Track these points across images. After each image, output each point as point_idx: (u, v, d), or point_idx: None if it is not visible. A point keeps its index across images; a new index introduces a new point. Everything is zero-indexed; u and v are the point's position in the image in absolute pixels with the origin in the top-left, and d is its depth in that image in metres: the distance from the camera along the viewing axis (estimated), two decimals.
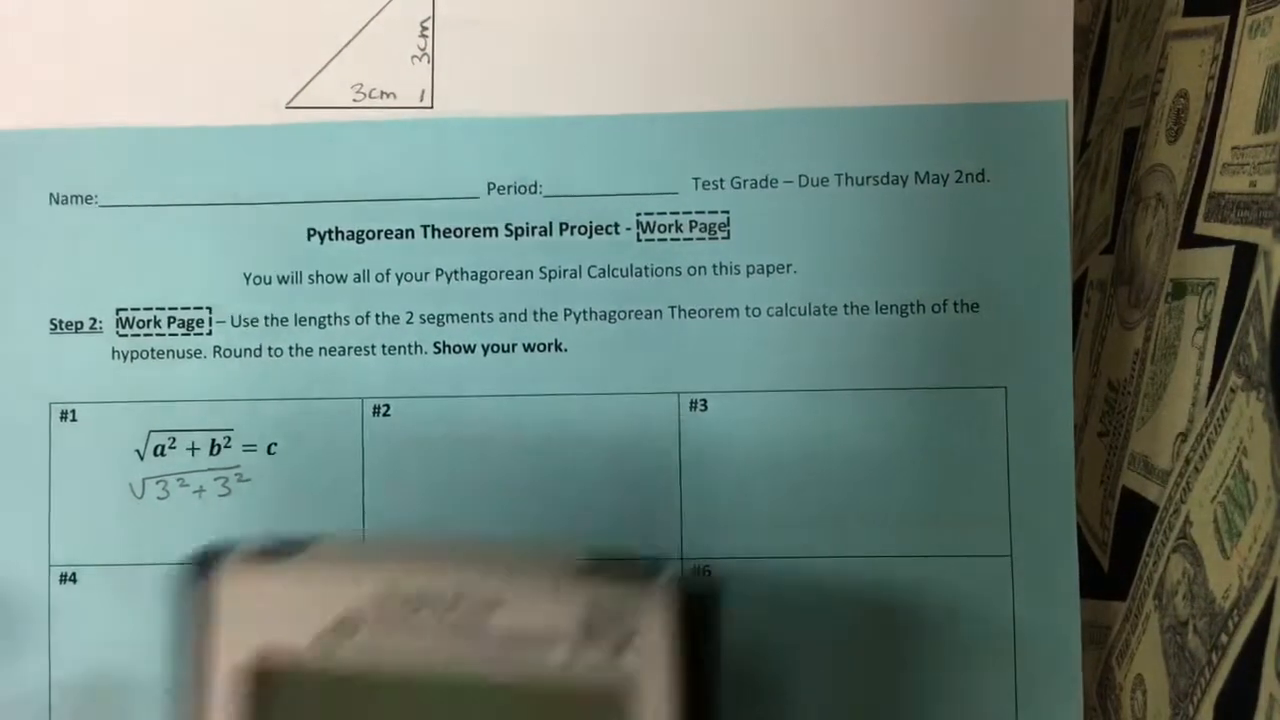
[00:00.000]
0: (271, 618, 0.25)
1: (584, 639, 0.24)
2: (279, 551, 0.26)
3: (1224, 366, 0.30)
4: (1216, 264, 0.31)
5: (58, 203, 0.33)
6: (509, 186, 0.33)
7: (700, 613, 0.25)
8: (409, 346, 0.33)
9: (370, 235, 0.33)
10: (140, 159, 0.33)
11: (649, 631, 0.24)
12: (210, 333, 0.33)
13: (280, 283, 0.33)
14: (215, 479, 0.33)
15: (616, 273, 0.33)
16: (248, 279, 0.33)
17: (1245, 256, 0.29)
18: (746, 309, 0.33)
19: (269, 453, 0.33)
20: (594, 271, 0.33)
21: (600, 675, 0.24)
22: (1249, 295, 0.29)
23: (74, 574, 0.33)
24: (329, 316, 0.33)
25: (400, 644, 0.24)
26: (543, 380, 0.33)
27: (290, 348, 0.33)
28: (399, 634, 0.24)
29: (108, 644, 0.33)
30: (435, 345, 0.33)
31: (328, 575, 0.25)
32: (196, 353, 0.33)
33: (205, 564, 0.25)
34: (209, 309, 0.33)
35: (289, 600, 0.25)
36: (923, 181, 0.33)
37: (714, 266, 0.33)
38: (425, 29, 0.34)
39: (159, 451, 0.33)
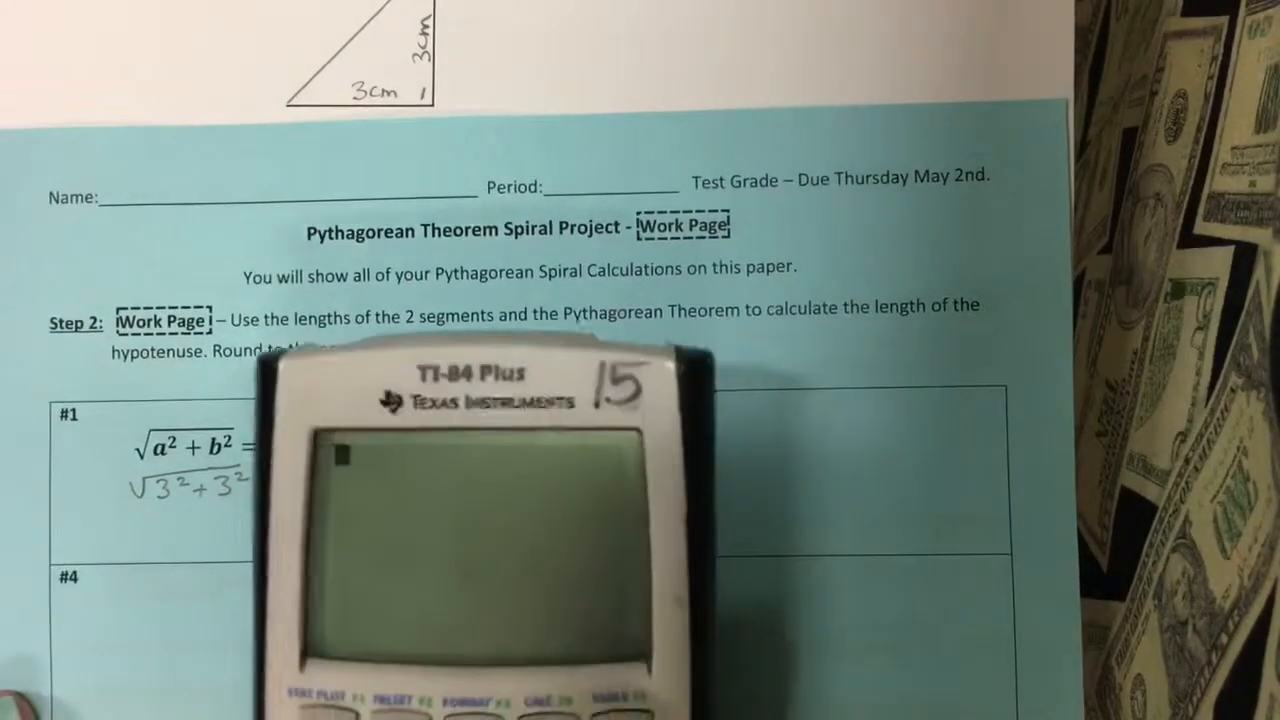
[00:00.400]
0: (327, 394, 0.28)
1: (599, 397, 0.28)
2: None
3: (1224, 366, 0.30)
4: (1216, 264, 0.31)
5: (58, 202, 0.33)
6: (509, 186, 0.33)
7: (698, 371, 0.28)
8: None
9: (370, 234, 0.33)
10: (140, 158, 0.33)
11: (655, 388, 0.28)
12: (210, 332, 0.33)
13: (280, 282, 0.33)
14: (215, 478, 0.33)
15: (616, 272, 0.33)
16: (248, 278, 0.33)
17: (1245, 256, 0.29)
18: (746, 308, 0.33)
19: None
20: (594, 271, 0.33)
21: (615, 427, 0.28)
22: (1249, 295, 0.29)
23: (74, 574, 0.33)
24: (329, 315, 0.33)
25: (439, 412, 0.28)
26: None
27: (291, 347, 0.33)
28: (438, 403, 0.28)
29: (108, 644, 0.33)
30: None
31: (374, 356, 0.28)
32: (197, 352, 0.33)
33: (270, 357, 0.28)
34: (209, 308, 0.33)
35: (341, 379, 0.28)
36: (923, 180, 0.33)
37: (714, 266, 0.33)
38: (426, 27, 0.34)
39: (159, 450, 0.33)
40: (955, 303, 0.33)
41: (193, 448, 0.33)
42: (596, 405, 0.28)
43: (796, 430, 0.32)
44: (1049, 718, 0.32)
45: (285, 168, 0.33)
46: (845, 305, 0.33)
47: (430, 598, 0.28)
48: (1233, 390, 0.29)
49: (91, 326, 0.33)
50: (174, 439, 0.33)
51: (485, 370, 0.28)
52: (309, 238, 0.33)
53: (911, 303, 0.33)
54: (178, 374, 0.33)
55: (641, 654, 0.28)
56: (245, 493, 0.33)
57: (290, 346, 0.31)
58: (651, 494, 0.28)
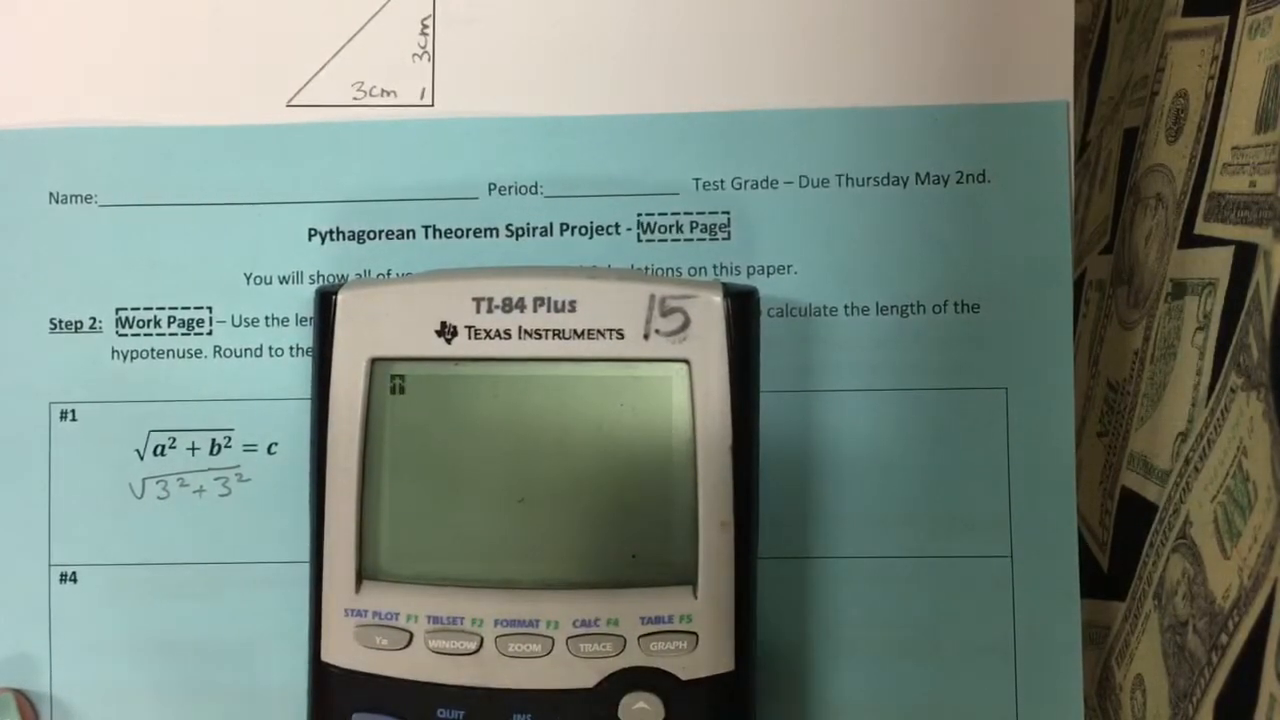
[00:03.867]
0: (384, 325, 0.29)
1: (649, 329, 0.29)
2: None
3: (1224, 366, 0.30)
4: (1216, 264, 0.31)
5: (57, 202, 0.33)
6: (509, 186, 0.33)
7: (745, 305, 0.29)
8: None
9: (371, 235, 0.33)
10: (140, 159, 0.33)
11: (703, 320, 0.29)
12: (210, 332, 0.33)
13: (281, 282, 0.33)
14: (215, 479, 0.33)
15: None
16: (248, 278, 0.33)
17: (1245, 256, 0.29)
18: None
19: (269, 453, 0.33)
20: None
21: (664, 358, 0.29)
22: (1249, 295, 0.29)
23: (74, 574, 0.33)
24: None
25: (493, 342, 0.29)
26: None
27: (291, 347, 0.33)
28: (492, 333, 0.29)
29: (108, 644, 0.33)
30: None
31: (430, 288, 0.30)
32: (197, 352, 0.33)
33: (329, 289, 0.30)
34: (209, 309, 0.33)
35: (398, 310, 0.29)
36: (923, 182, 0.33)
37: (714, 267, 0.33)
38: (426, 27, 0.33)
39: (159, 451, 0.33)
40: (956, 304, 0.33)
41: (193, 449, 0.33)
42: (646, 337, 0.29)
43: (797, 432, 0.32)
44: (1049, 718, 0.32)
45: (285, 168, 0.33)
46: (846, 307, 0.33)
47: (482, 523, 0.30)
48: (1233, 390, 0.29)
49: (91, 327, 0.33)
50: (174, 440, 0.33)
51: (538, 302, 0.29)
52: (309, 238, 0.33)
53: (912, 304, 0.33)
54: (178, 375, 0.33)
55: (687, 578, 0.29)
56: (245, 493, 0.33)
57: (346, 277, 0.33)
58: (698, 423, 0.29)
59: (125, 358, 0.33)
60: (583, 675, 0.29)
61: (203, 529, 0.33)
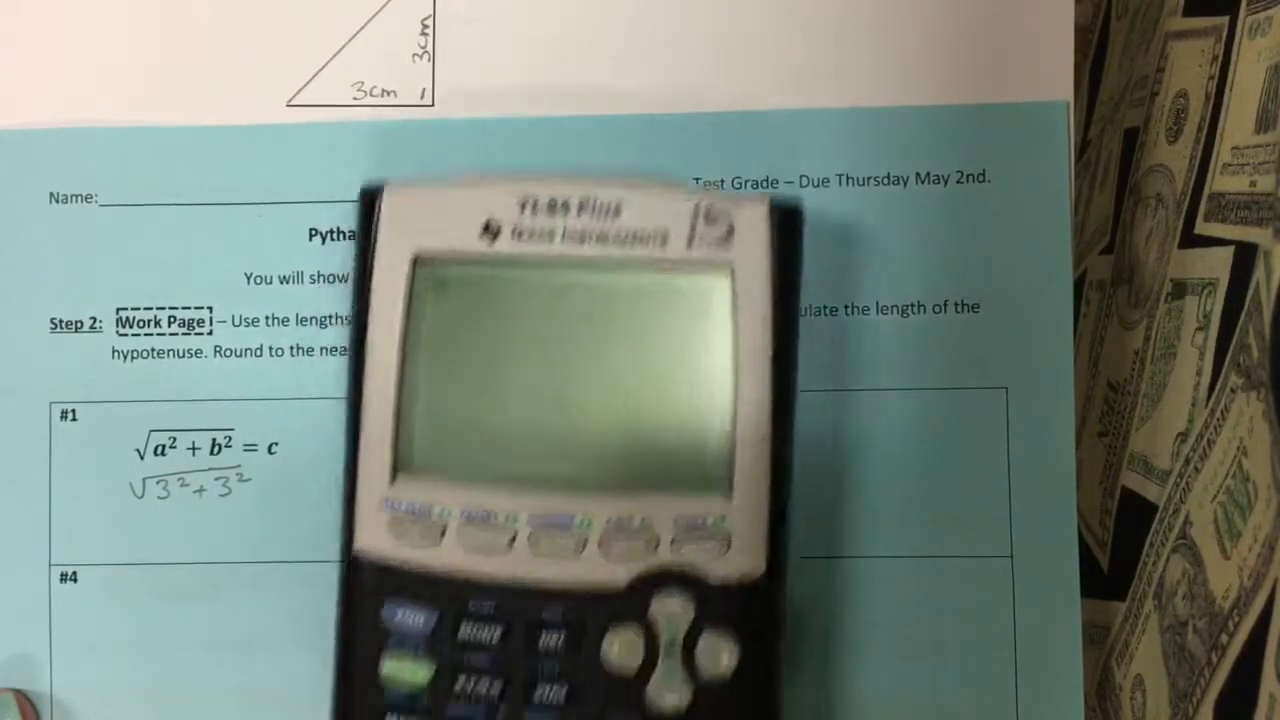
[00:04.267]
0: (427, 223, 0.29)
1: (693, 236, 0.29)
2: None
3: (1224, 366, 0.30)
4: (1216, 264, 0.31)
5: (58, 202, 0.33)
6: None
7: (789, 216, 0.29)
8: None
9: None
10: (140, 158, 0.33)
11: (748, 229, 0.29)
12: (211, 332, 0.33)
13: (281, 282, 0.33)
14: (216, 478, 0.33)
15: None
16: (249, 278, 0.33)
17: (1245, 256, 0.29)
18: None
19: (270, 452, 0.33)
20: None
21: (707, 266, 0.29)
22: (1249, 295, 0.29)
23: (74, 574, 0.33)
24: (330, 316, 0.33)
25: (536, 243, 0.29)
26: None
27: (291, 347, 0.33)
28: (536, 234, 0.29)
29: (108, 644, 0.33)
30: None
31: (473, 188, 0.30)
32: (197, 352, 0.33)
33: (373, 187, 0.30)
34: (210, 308, 0.33)
35: (441, 209, 0.29)
36: (923, 182, 0.33)
37: None
38: (426, 27, 0.33)
39: (159, 451, 0.33)
40: (956, 304, 0.33)
41: (193, 448, 0.33)
42: (689, 244, 0.29)
43: (797, 432, 0.32)
44: (1049, 718, 0.32)
45: (285, 168, 0.33)
46: (846, 307, 0.33)
47: (519, 422, 0.30)
48: (1233, 390, 0.29)
49: (91, 327, 0.33)
50: (174, 439, 0.33)
51: (583, 205, 0.29)
52: (310, 238, 0.33)
53: (912, 304, 0.33)
54: (178, 374, 0.33)
55: (723, 484, 0.29)
56: (246, 493, 0.33)
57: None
58: (739, 331, 0.29)
59: (125, 357, 0.33)
60: (614, 574, 0.29)
61: (203, 529, 0.33)
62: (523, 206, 0.29)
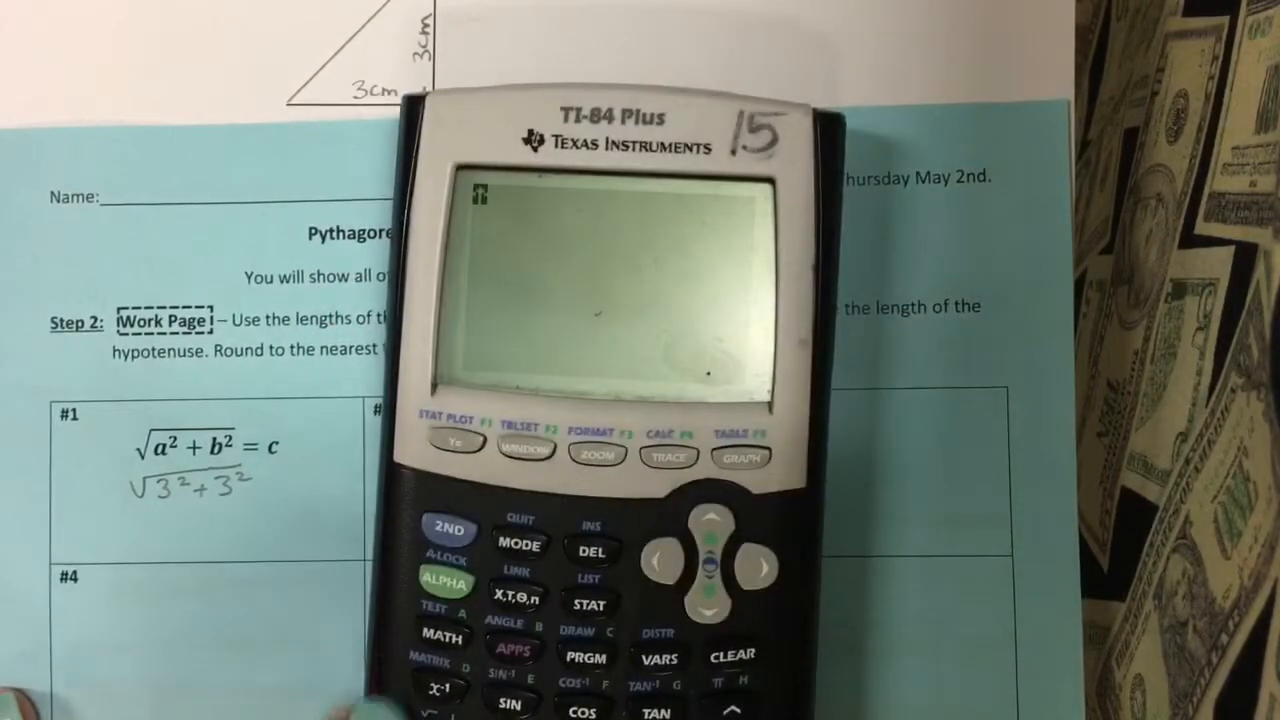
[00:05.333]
0: (470, 131, 0.29)
1: (736, 145, 0.29)
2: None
3: (1224, 366, 0.30)
4: (1216, 264, 0.31)
5: (58, 201, 0.33)
6: None
7: (833, 126, 0.30)
8: None
9: (372, 234, 0.33)
10: (140, 158, 0.33)
11: (792, 137, 0.29)
12: (211, 331, 0.33)
13: (281, 281, 0.33)
14: (216, 478, 0.33)
15: None
16: (249, 278, 0.33)
17: (1245, 256, 0.29)
18: None
19: (270, 452, 0.33)
20: None
21: (750, 175, 0.29)
22: (1249, 295, 0.29)
23: (74, 573, 0.33)
24: (330, 315, 0.33)
25: (579, 152, 0.29)
26: None
27: (291, 346, 0.33)
28: (579, 143, 0.29)
29: (108, 644, 0.33)
30: None
31: (516, 97, 0.29)
32: (198, 351, 0.33)
33: (416, 95, 0.30)
34: (210, 308, 0.33)
35: (484, 116, 0.29)
36: (924, 181, 0.33)
37: None
38: (426, 26, 0.33)
39: (160, 450, 0.33)
40: (956, 304, 0.33)
41: (193, 448, 0.33)
42: (733, 152, 0.29)
43: None
44: (1049, 718, 0.32)
45: (286, 167, 0.33)
46: (847, 307, 0.33)
47: (560, 333, 0.30)
48: (1233, 390, 0.29)
49: (92, 326, 0.33)
50: (175, 439, 0.33)
51: (626, 114, 0.29)
52: (310, 237, 0.33)
53: (913, 304, 0.33)
54: (178, 374, 0.33)
55: (763, 395, 0.29)
56: (246, 492, 0.33)
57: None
58: (781, 240, 0.29)
59: (126, 356, 0.33)
60: (654, 485, 0.29)
61: (203, 528, 0.33)
62: (566, 115, 0.29)
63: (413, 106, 0.30)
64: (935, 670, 0.32)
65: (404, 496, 0.29)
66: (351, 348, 0.33)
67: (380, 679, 0.30)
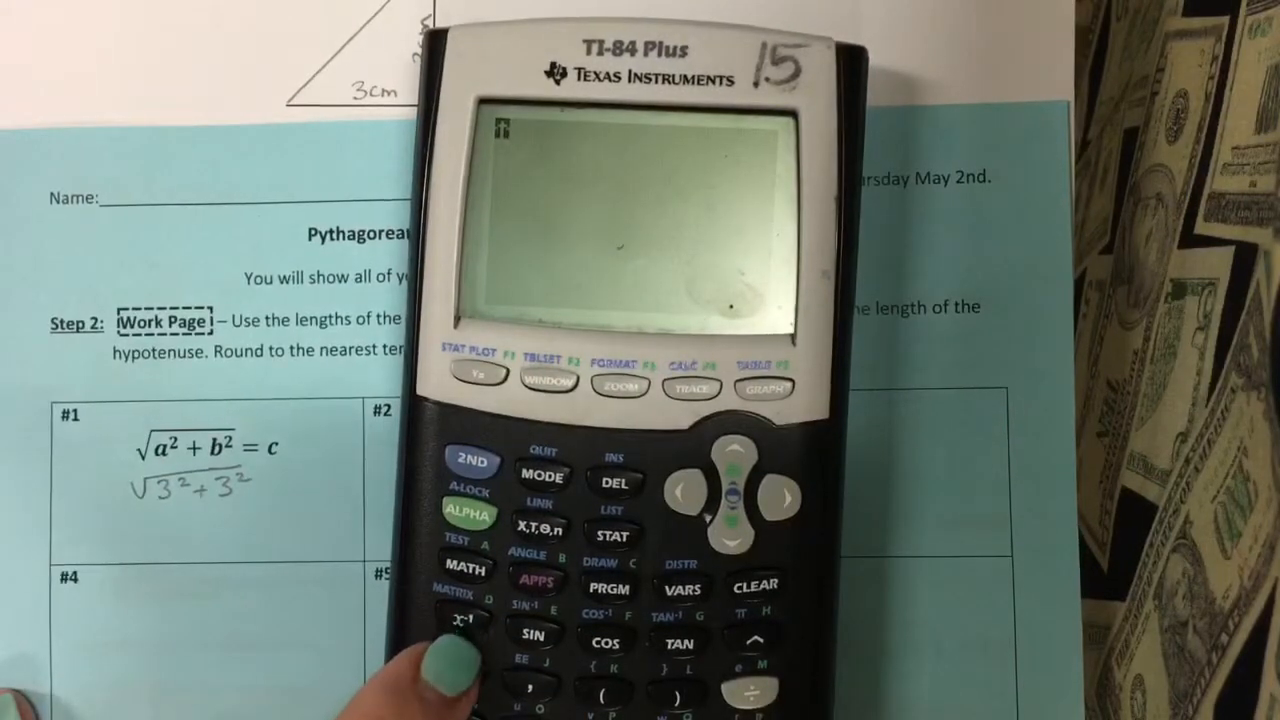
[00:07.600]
0: (493, 64, 0.29)
1: (759, 77, 0.29)
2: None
3: (1224, 366, 0.30)
4: (1216, 264, 0.31)
5: (58, 202, 0.33)
6: None
7: (855, 58, 0.30)
8: None
9: (371, 235, 0.33)
10: (140, 159, 0.33)
11: (814, 69, 0.29)
12: (211, 332, 0.33)
13: (281, 282, 0.33)
14: (216, 478, 0.33)
15: None
16: (249, 278, 0.33)
17: (1245, 256, 0.29)
18: None
19: (270, 452, 0.33)
20: None
21: (773, 107, 0.29)
22: (1249, 295, 0.29)
23: (74, 574, 0.33)
24: (330, 316, 0.33)
25: (602, 85, 0.29)
26: None
27: (291, 347, 0.33)
28: (602, 76, 0.29)
29: (108, 644, 0.33)
30: None
31: (540, 29, 0.29)
32: (198, 352, 0.33)
33: (438, 29, 0.30)
34: (210, 308, 0.33)
35: (507, 50, 0.29)
36: (924, 182, 0.33)
37: None
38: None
39: (160, 451, 0.33)
40: (956, 304, 0.33)
41: (194, 448, 0.33)
42: (756, 85, 0.29)
43: None
44: (1049, 718, 0.32)
45: (286, 168, 0.33)
46: None
47: (582, 266, 0.30)
48: (1233, 390, 0.29)
49: (92, 327, 0.33)
50: (175, 439, 0.33)
51: (649, 46, 0.29)
52: (310, 238, 0.33)
53: (913, 304, 0.33)
54: (179, 374, 0.33)
55: (786, 327, 0.29)
56: (246, 493, 0.33)
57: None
58: (804, 171, 0.29)
59: (126, 357, 0.33)
60: (677, 417, 0.29)
61: (203, 529, 0.33)
62: (589, 48, 0.29)
63: (435, 41, 0.30)
64: (935, 670, 0.33)
65: (426, 429, 0.29)
66: (351, 348, 0.33)
67: (404, 611, 0.30)
